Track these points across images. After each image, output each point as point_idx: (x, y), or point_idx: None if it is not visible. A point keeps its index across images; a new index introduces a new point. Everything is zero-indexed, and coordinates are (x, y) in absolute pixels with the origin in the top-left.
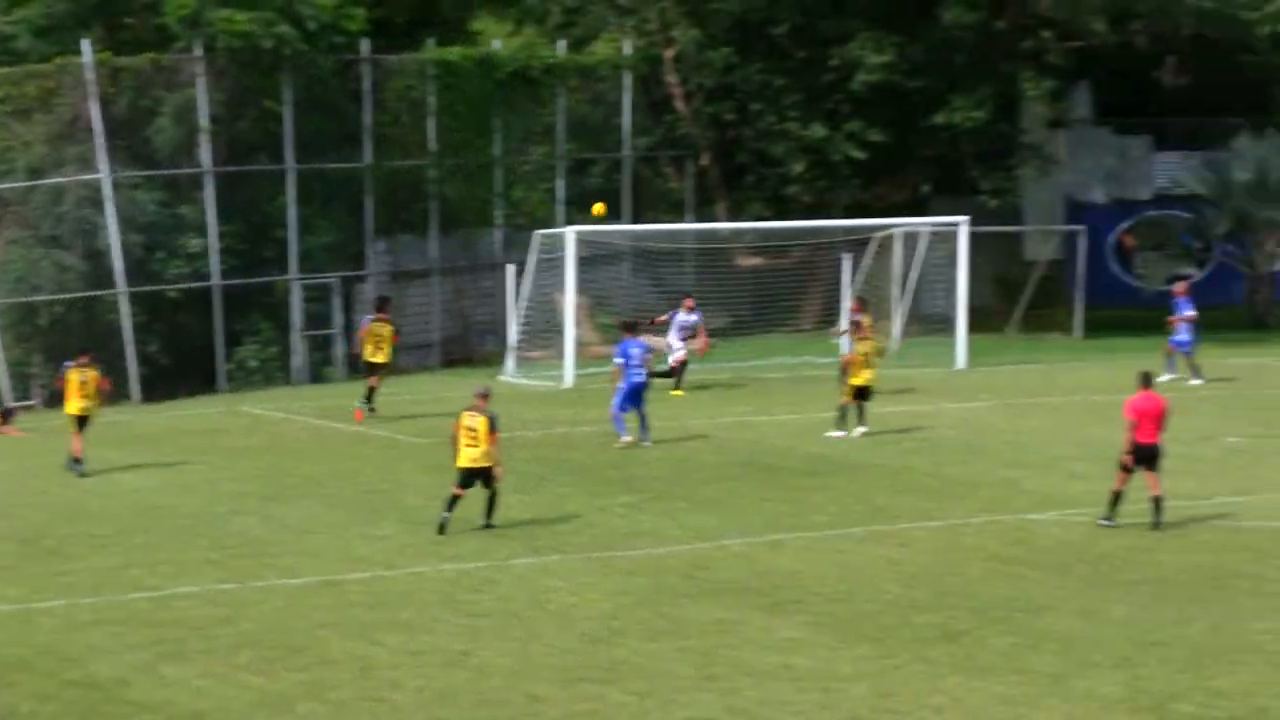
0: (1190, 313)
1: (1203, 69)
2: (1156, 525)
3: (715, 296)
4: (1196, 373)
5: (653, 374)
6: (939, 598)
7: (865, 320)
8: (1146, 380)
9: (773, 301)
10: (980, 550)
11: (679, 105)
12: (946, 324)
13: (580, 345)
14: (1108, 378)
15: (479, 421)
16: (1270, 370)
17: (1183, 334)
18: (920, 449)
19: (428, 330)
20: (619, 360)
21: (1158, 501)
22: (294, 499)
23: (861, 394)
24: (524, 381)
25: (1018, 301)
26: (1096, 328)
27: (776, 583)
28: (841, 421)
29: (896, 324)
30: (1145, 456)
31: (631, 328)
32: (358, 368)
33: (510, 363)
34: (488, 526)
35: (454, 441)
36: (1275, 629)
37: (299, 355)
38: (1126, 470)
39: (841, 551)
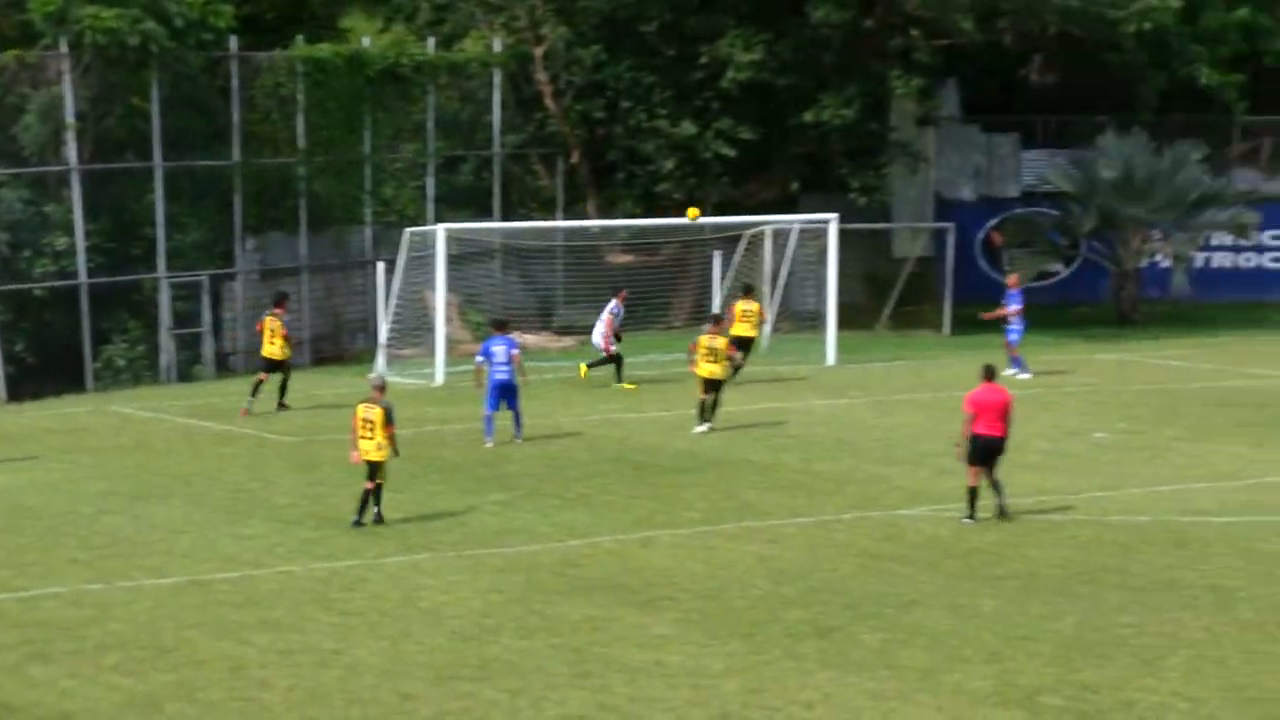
0: (1016, 306)
1: (1069, 67)
2: (1003, 513)
3: (586, 294)
4: (1022, 366)
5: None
6: (810, 594)
7: (756, 308)
8: (989, 373)
9: (644, 299)
10: (851, 546)
11: (549, 103)
12: (817, 321)
13: (451, 343)
14: (976, 374)
15: (375, 413)
16: (1136, 366)
17: (1014, 325)
18: (790, 445)
19: (298, 328)
20: (479, 359)
21: (1000, 486)
22: (162, 498)
23: (709, 387)
24: (395, 379)
25: (887, 298)
26: (965, 324)
27: (648, 579)
28: (702, 416)
29: (767, 321)
30: (987, 449)
31: (501, 325)
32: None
33: (381, 361)
34: (379, 520)
35: (353, 434)
36: (1141, 623)
37: (167, 354)
38: (974, 464)
39: (712, 548)
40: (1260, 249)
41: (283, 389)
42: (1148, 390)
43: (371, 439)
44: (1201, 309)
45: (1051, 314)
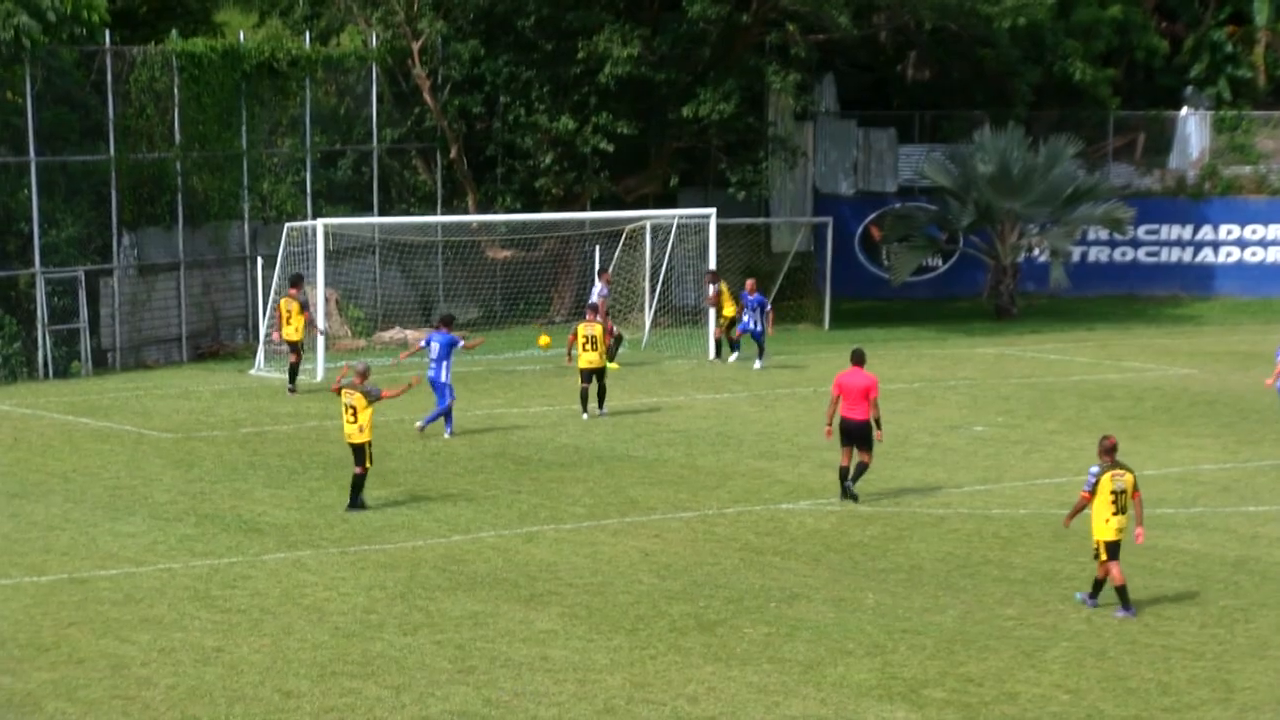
0: (755, 301)
1: (944, 63)
2: (846, 492)
3: (466, 289)
4: (759, 355)
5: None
6: (693, 588)
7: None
8: (857, 357)
9: (524, 294)
10: (734, 540)
11: (427, 98)
12: (697, 315)
13: (330, 339)
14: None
15: (356, 399)
16: (1014, 360)
17: (746, 319)
18: (673, 440)
19: (175, 324)
20: (422, 344)
21: (862, 468)
22: (40, 496)
23: (589, 377)
24: (275, 375)
25: (767, 294)
26: (845, 319)
27: (532, 575)
28: (585, 405)
29: (647, 315)
30: (848, 431)
31: (448, 321)
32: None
33: (260, 357)
34: (359, 506)
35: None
36: (1022, 615)
37: (44, 350)
38: (844, 445)
39: (596, 543)
40: (1135, 243)
41: (292, 373)
42: (1026, 384)
43: (355, 423)
44: (1078, 303)
45: (931, 308)
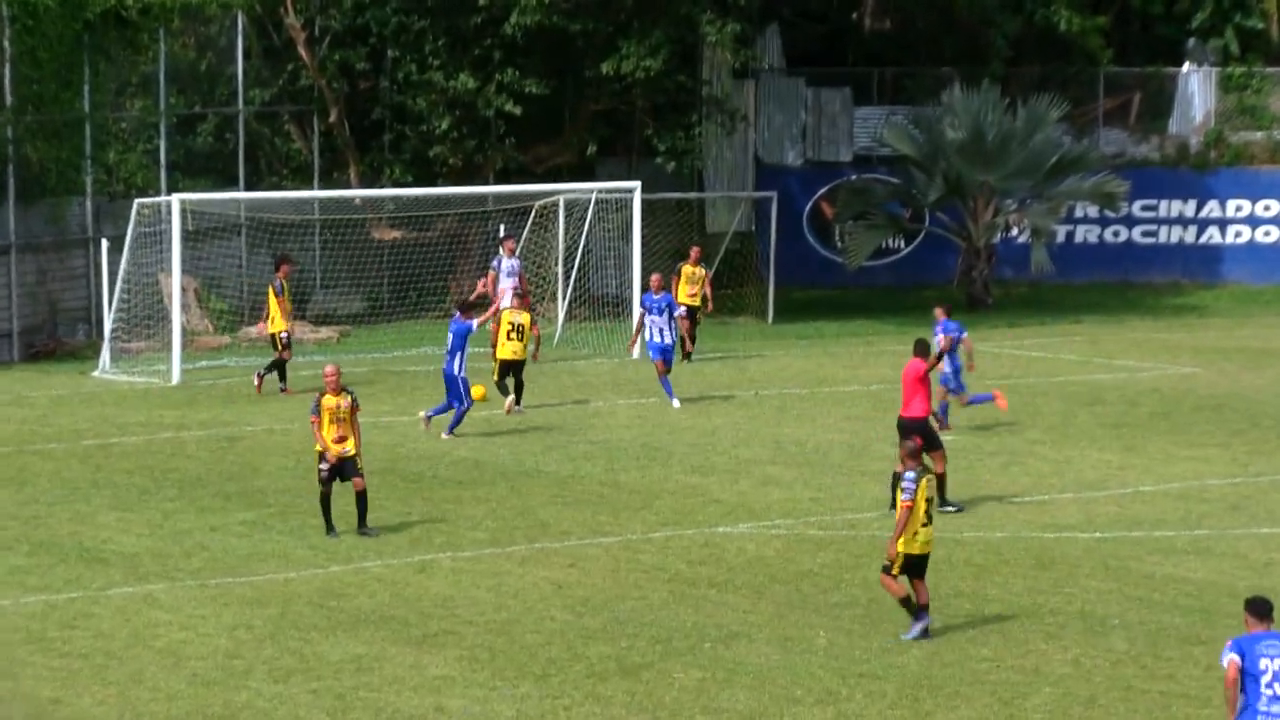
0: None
1: (907, 13)
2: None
3: (348, 276)
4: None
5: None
6: (615, 626)
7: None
8: (918, 349)
9: (416, 281)
10: (662, 570)
11: (302, 52)
12: (619, 307)
13: (188, 335)
14: (805, 368)
15: (344, 402)
16: (989, 358)
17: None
18: (591, 453)
19: (4, 318)
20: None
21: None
22: None
23: (508, 370)
24: (122, 378)
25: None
26: (792, 310)
27: (425, 611)
28: (504, 391)
29: (560, 306)
30: (910, 433)
31: (466, 308)
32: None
33: (105, 357)
34: (367, 532)
35: (318, 432)
36: (999, 656)
37: None
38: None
39: (501, 574)
40: (1130, 221)
41: (278, 371)
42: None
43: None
44: (1064, 291)
45: (892, 297)
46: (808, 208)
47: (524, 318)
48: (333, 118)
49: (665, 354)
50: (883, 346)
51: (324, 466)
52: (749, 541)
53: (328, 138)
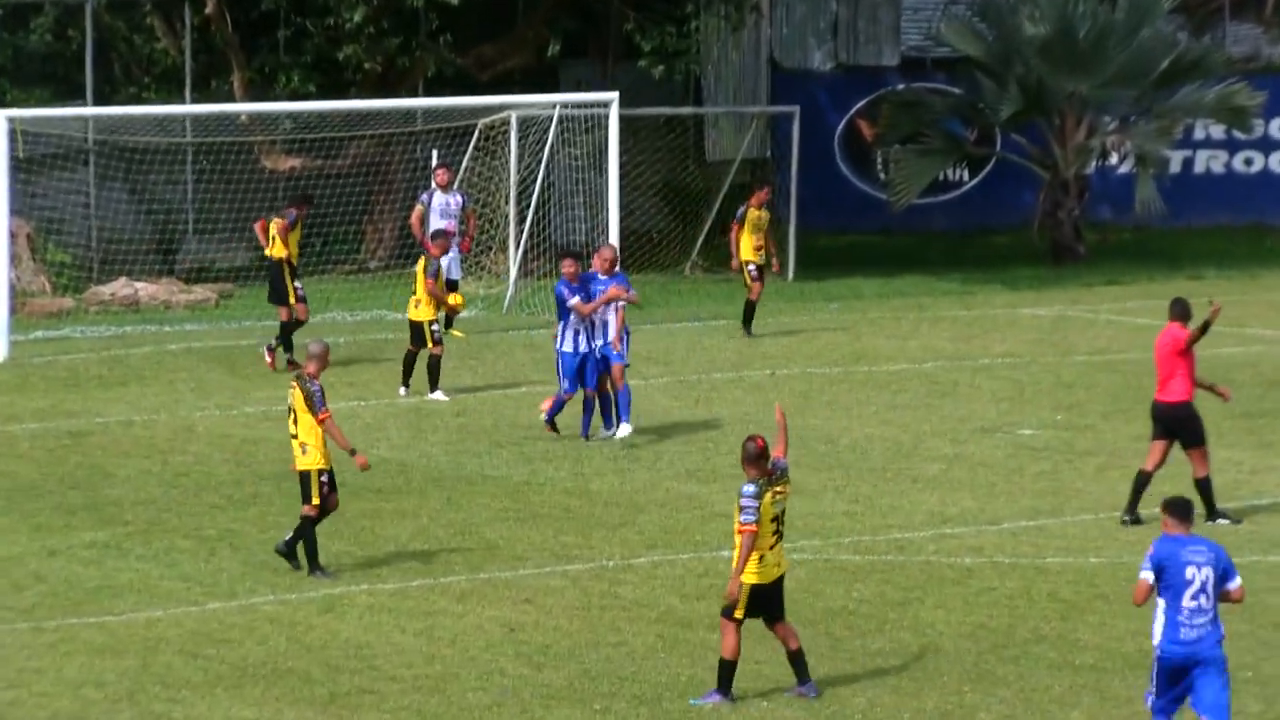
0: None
1: None
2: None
3: (230, 218)
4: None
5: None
6: (585, 682)
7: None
8: (1176, 310)
9: (322, 226)
10: (648, 607)
11: None
12: (588, 256)
13: (19, 297)
14: (837, 340)
15: (295, 398)
16: (1080, 326)
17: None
18: (554, 453)
19: None
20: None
21: (1203, 486)
22: None
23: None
24: None
25: (699, 224)
26: (820, 263)
27: (333, 663)
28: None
29: (512, 259)
30: (1165, 419)
31: (574, 257)
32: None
33: None
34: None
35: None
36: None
37: None
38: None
39: (433, 613)
40: (1266, 145)
41: (286, 337)
42: (1098, 363)
43: (295, 438)
44: (1179, 237)
45: (952, 247)
46: (840, 127)
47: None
48: (210, 8)
49: (601, 362)
50: (940, 311)
51: (325, 479)
52: None
53: (203, 34)
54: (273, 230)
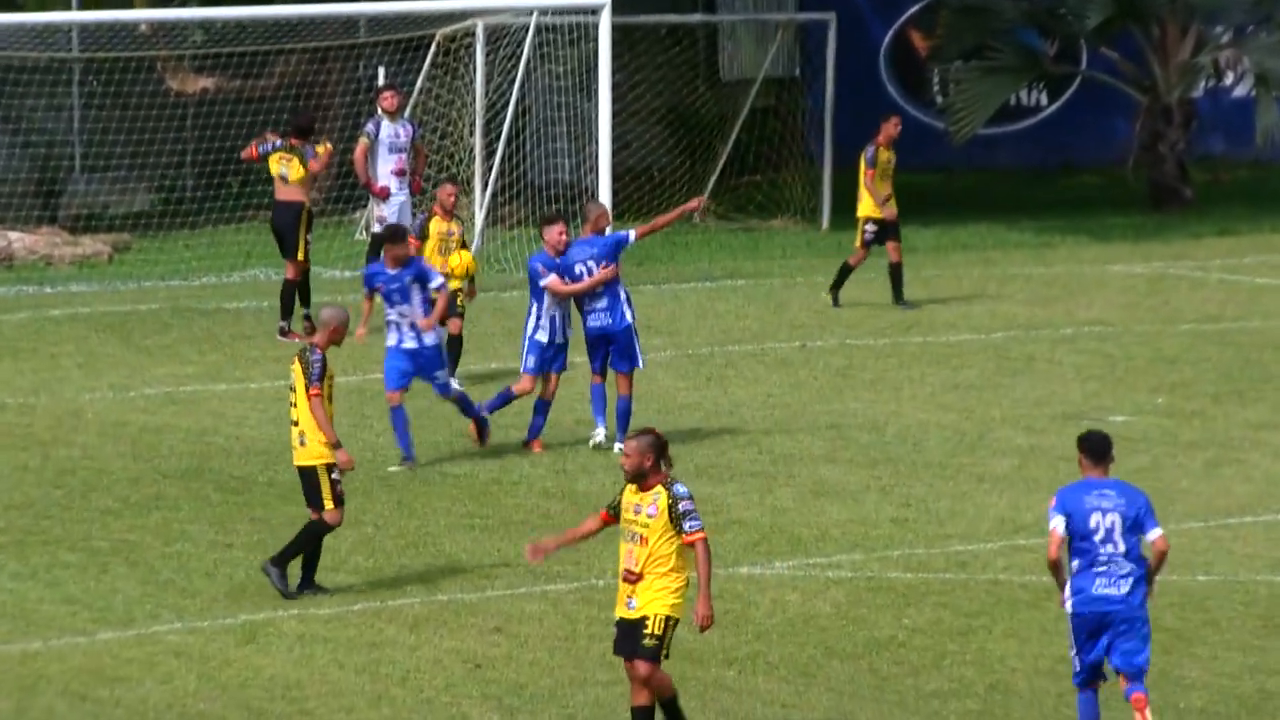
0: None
1: None
2: None
3: (128, 153)
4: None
5: None
6: None
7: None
8: None
9: (237, 162)
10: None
11: None
12: (578, 203)
13: None
14: (883, 304)
15: (295, 372)
16: (1185, 287)
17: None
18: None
19: None
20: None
21: None
22: None
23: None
24: None
25: (713, 159)
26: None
27: (255, 705)
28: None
29: (478, 202)
30: None
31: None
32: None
33: None
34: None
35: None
36: None
37: None
38: None
39: (378, 644)
40: None
41: (301, 296)
42: (1208, 333)
43: (295, 424)
44: None
45: (1026, 188)
46: (888, 39)
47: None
48: None
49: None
50: (1012, 268)
51: (336, 475)
52: (791, 590)
53: None
54: (288, 163)
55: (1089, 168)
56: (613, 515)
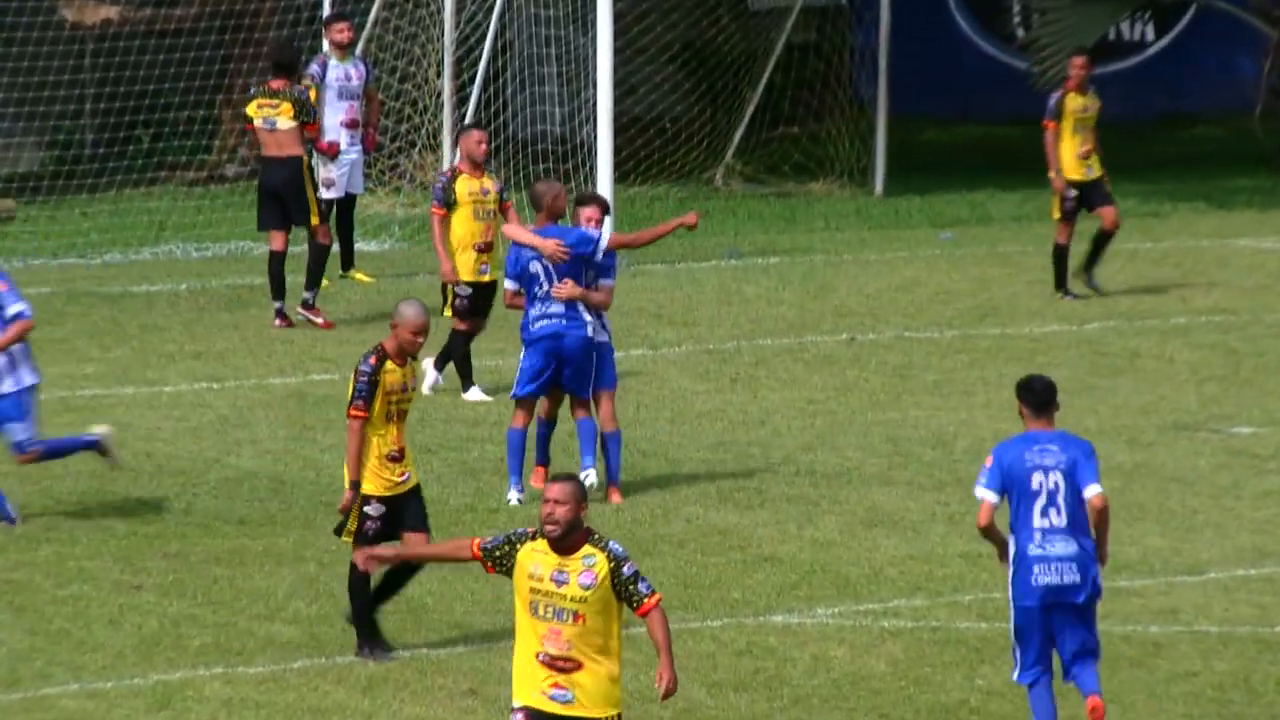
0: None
1: None
2: None
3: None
4: None
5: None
6: None
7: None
8: None
9: (152, 111)
10: (653, 699)
11: None
12: (569, 160)
13: None
14: (948, 287)
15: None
16: None
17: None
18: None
19: None
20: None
21: None
22: None
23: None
24: None
25: (739, 110)
26: (922, 168)
27: None
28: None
29: (448, 160)
30: None
31: (603, 206)
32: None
33: None
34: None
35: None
36: None
37: None
38: None
39: (325, 711)
40: None
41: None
42: None
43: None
44: None
45: (1130, 141)
46: None
47: (489, 188)
48: None
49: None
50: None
51: (373, 510)
52: (838, 643)
53: None
54: (275, 108)
55: (1206, 117)
56: (493, 566)
